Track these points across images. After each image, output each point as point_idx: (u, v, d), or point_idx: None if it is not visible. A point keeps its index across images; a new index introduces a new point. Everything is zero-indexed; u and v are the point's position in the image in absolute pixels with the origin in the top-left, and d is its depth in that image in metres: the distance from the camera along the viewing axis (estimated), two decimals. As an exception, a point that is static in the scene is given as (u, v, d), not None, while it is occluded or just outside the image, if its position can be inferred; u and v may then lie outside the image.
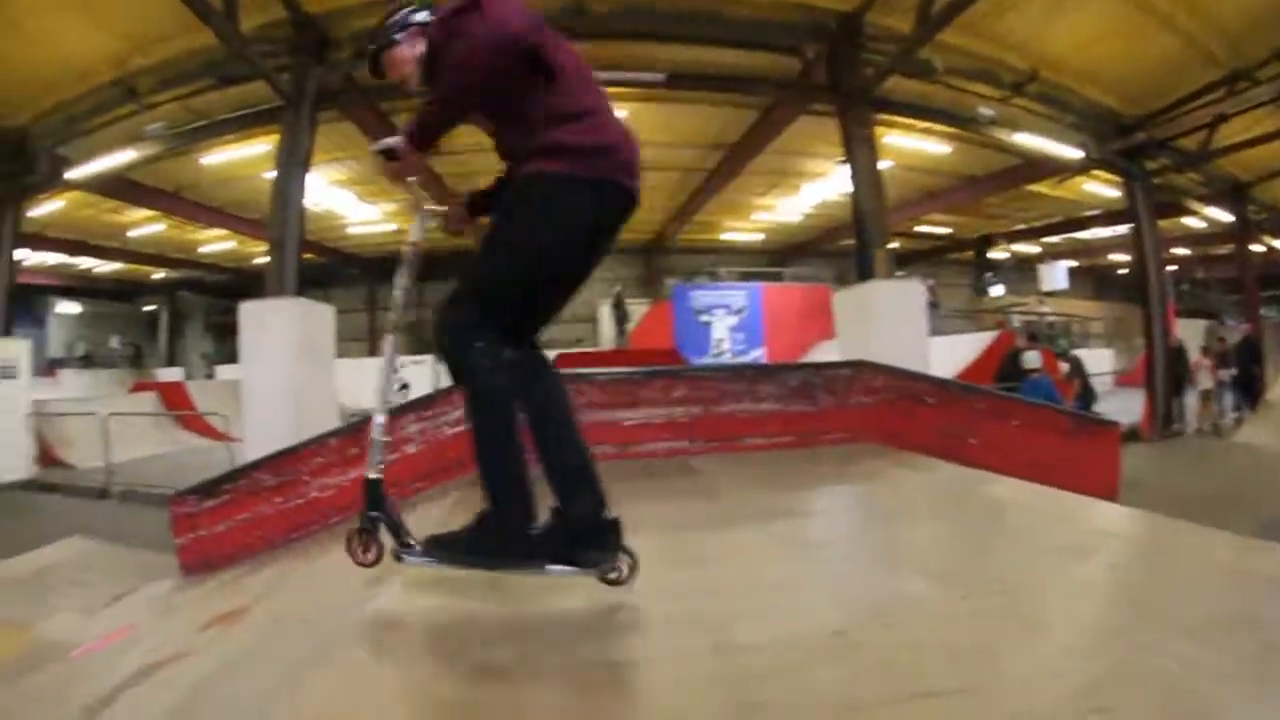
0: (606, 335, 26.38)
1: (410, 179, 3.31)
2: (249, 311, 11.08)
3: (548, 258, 2.92)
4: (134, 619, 6.29)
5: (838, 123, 12.95)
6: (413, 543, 3.15)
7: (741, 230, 26.22)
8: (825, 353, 16.58)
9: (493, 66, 2.67)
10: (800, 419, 6.41)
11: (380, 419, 3.32)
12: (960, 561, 3.57)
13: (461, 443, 6.10)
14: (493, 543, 2.97)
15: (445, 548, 3.07)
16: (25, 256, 21.64)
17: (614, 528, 2.99)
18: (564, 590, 3.08)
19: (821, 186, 21.01)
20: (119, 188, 18.49)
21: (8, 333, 16.56)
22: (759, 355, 22.91)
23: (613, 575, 3.00)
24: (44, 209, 20.25)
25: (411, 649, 3.15)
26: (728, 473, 5.56)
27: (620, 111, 3.48)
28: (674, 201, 21.83)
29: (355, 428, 6.52)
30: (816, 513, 4.84)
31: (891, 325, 11.36)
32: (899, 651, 2.47)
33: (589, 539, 2.94)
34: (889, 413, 6.46)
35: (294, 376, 10.42)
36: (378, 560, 3.30)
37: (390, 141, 3.02)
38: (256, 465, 6.94)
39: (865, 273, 12.42)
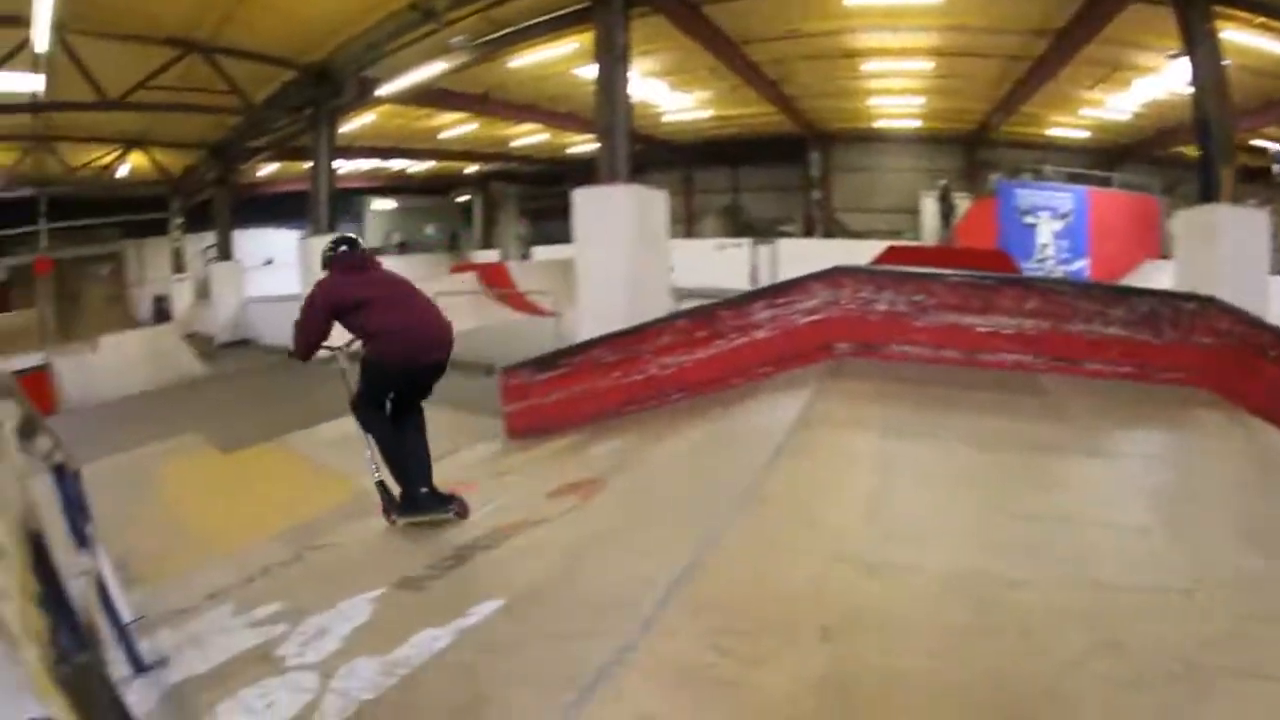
0: (928, 227, 25.21)
1: (313, 357, 5.62)
2: (583, 198, 11.28)
3: (380, 387, 5.26)
4: (464, 477, 6.74)
5: (1173, 12, 11.28)
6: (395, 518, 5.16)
7: (1067, 126, 23.81)
8: (1154, 274, 15.20)
9: (314, 314, 5.27)
10: (1142, 350, 5.81)
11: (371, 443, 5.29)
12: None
13: (812, 331, 6.13)
14: (411, 504, 5.00)
15: (402, 512, 5.05)
16: (341, 165, 23.40)
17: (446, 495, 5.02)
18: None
19: (1153, 83, 18.64)
20: (427, 97, 19.34)
21: (333, 228, 18.15)
22: (1083, 267, 20.55)
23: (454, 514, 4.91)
24: (355, 124, 21.94)
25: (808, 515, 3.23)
26: (1074, 396, 5.23)
27: None
28: (997, 91, 20.14)
29: (705, 311, 6.55)
30: (1159, 458, 4.42)
31: (1234, 259, 10.12)
32: (1247, 624, 2.32)
33: (439, 499, 4.98)
34: (1229, 361, 5.70)
35: (630, 259, 10.59)
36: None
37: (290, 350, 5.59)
38: (597, 342, 7.23)
39: (1208, 193, 10.89)
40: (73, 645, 2.00)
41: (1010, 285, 5.91)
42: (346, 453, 8.69)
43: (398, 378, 5.27)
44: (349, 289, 5.31)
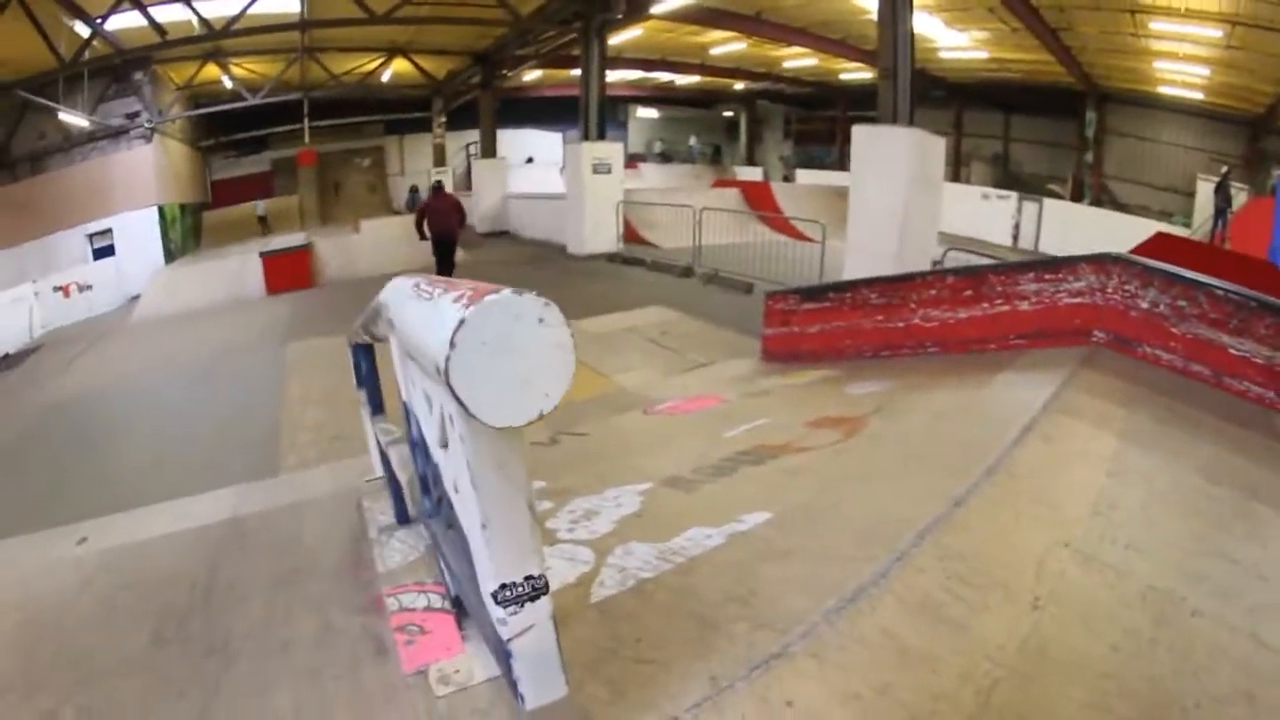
0: (1200, 215, 22.91)
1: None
2: (862, 135, 11.29)
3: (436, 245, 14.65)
4: (720, 392, 7.18)
5: None
6: None
7: None
8: None
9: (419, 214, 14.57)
10: None
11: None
12: None
13: (1073, 314, 6.08)
14: None
15: None
16: (608, 74, 23.84)
17: None
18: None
19: None
20: (699, 14, 19.65)
21: (602, 136, 19.07)
22: None
23: None
24: (623, 36, 22.58)
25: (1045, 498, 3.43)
26: None
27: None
28: None
29: (975, 272, 6.61)
30: None
31: None
32: None
33: None
34: None
35: (905, 203, 10.52)
36: None
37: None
38: (866, 283, 7.35)
39: None
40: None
41: (1271, 311, 5.42)
42: (603, 349, 9.36)
43: (437, 243, 14.25)
44: (429, 206, 14.40)
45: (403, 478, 2.96)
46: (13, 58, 16.14)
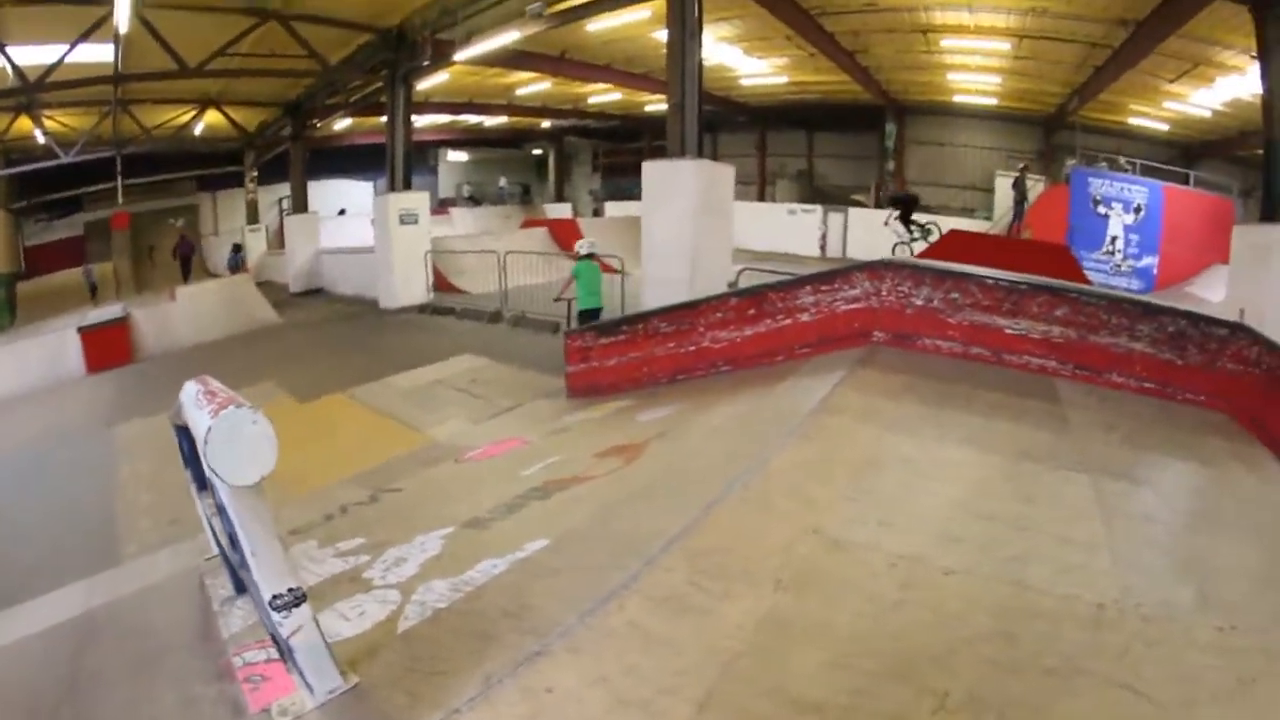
0: (1001, 207, 24.70)
1: None
2: (651, 170, 11.64)
3: None
4: (525, 433, 7.45)
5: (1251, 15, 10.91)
6: None
7: (1148, 116, 23.23)
8: (1219, 281, 15.08)
9: None
10: (1166, 369, 5.86)
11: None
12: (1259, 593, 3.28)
13: (852, 319, 6.55)
14: None
15: None
16: (415, 119, 23.77)
17: None
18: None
19: (1237, 82, 18.40)
20: (504, 57, 19.60)
21: (408, 186, 19.11)
22: (1150, 264, 20.31)
23: None
24: (430, 81, 22.51)
25: (799, 492, 3.79)
26: (1085, 408, 5.41)
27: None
28: (1075, 76, 19.81)
29: (756, 291, 7.07)
30: (1144, 480, 4.41)
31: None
32: (1136, 643, 2.71)
33: None
34: (1253, 389, 5.71)
35: (694, 231, 10.91)
36: None
37: None
38: (656, 313, 7.78)
39: (1270, 211, 10.66)
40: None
41: (1041, 291, 6.10)
42: (415, 404, 9.45)
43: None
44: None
45: (224, 540, 3.34)
46: None
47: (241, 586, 3.90)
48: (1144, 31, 15.59)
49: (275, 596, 2.28)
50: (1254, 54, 11.92)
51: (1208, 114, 21.43)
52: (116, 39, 14.33)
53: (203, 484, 4.14)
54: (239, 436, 2.09)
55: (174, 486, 7.33)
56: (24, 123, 21.64)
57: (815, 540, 3.35)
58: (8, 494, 8.99)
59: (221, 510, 2.71)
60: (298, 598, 2.33)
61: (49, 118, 21.78)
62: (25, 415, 13.27)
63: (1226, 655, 2.67)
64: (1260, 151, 11.55)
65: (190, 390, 2.68)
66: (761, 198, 31.47)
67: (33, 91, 16.24)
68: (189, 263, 30.16)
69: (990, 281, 6.15)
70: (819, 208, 26.79)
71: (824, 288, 6.65)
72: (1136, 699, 2.38)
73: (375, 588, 3.60)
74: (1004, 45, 18.79)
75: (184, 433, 4.15)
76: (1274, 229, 10.49)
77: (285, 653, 2.36)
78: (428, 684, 2.62)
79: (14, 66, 14.78)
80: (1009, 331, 6.08)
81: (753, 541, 3.35)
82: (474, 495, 5.29)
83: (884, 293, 6.45)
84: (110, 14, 12.65)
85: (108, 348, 16.63)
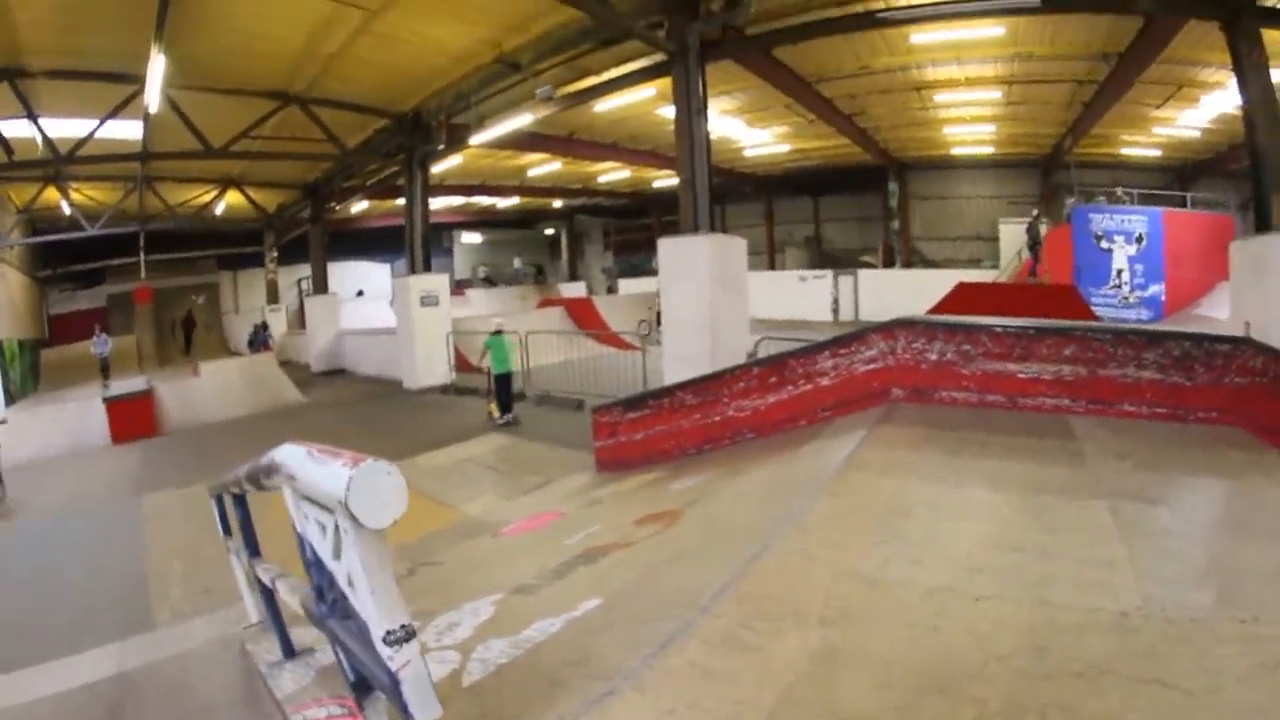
0: (1007, 254, 25.15)
1: None
2: (666, 247, 11.99)
3: None
4: (558, 507, 7.72)
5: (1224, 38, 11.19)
6: None
7: (1140, 145, 23.42)
8: (1226, 297, 15.20)
9: None
10: (1175, 392, 5.92)
11: None
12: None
13: (871, 379, 6.74)
14: None
15: None
16: (431, 201, 24.40)
17: None
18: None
19: (1221, 98, 18.44)
20: (516, 140, 20.20)
21: (428, 268, 19.64)
22: (1157, 292, 20.78)
23: None
24: (444, 165, 23.22)
25: (834, 542, 4.00)
26: (1098, 439, 5.52)
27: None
28: (1066, 114, 20.22)
29: (777, 360, 7.29)
30: (1162, 501, 4.49)
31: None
32: (1161, 644, 2.88)
33: None
34: (1263, 399, 5.73)
35: (711, 304, 11.20)
36: None
37: None
38: (681, 386, 8.01)
39: (1263, 222, 10.81)
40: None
41: (1049, 334, 6.24)
42: (445, 482, 9.68)
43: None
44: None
45: (294, 599, 3.44)
46: None
47: (292, 651, 4.12)
48: (1126, 62, 15.92)
49: (389, 632, 2.45)
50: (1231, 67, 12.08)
51: (1197, 134, 21.90)
52: (146, 117, 14.82)
53: (255, 550, 4.39)
54: (378, 484, 2.27)
55: (206, 557, 7.69)
56: (51, 193, 22.31)
57: (853, 581, 3.56)
58: (40, 556, 9.22)
59: (315, 564, 2.94)
60: (409, 633, 2.49)
61: (76, 190, 22.57)
62: (53, 481, 13.54)
63: (1250, 644, 2.83)
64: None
65: (296, 451, 2.82)
66: (772, 266, 32.01)
67: (62, 163, 16.77)
68: (190, 336, 32.41)
69: (999, 330, 6.34)
70: (829, 272, 27.25)
71: (842, 351, 6.88)
72: (1166, 691, 2.56)
73: (432, 650, 3.70)
74: (995, 94, 19.41)
75: (239, 501, 4.39)
76: (1269, 239, 10.64)
77: (389, 688, 2.51)
78: (501, 729, 2.77)
79: (45, 138, 15.26)
80: (1021, 376, 6.22)
81: (796, 586, 3.55)
82: (516, 565, 5.51)
83: (899, 351, 6.65)
84: (140, 92, 13.18)
85: (132, 419, 17.07)
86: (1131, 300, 20.85)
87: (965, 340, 6.43)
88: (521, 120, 16.43)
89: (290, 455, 2.85)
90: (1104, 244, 21.09)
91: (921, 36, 15.51)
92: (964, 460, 5.14)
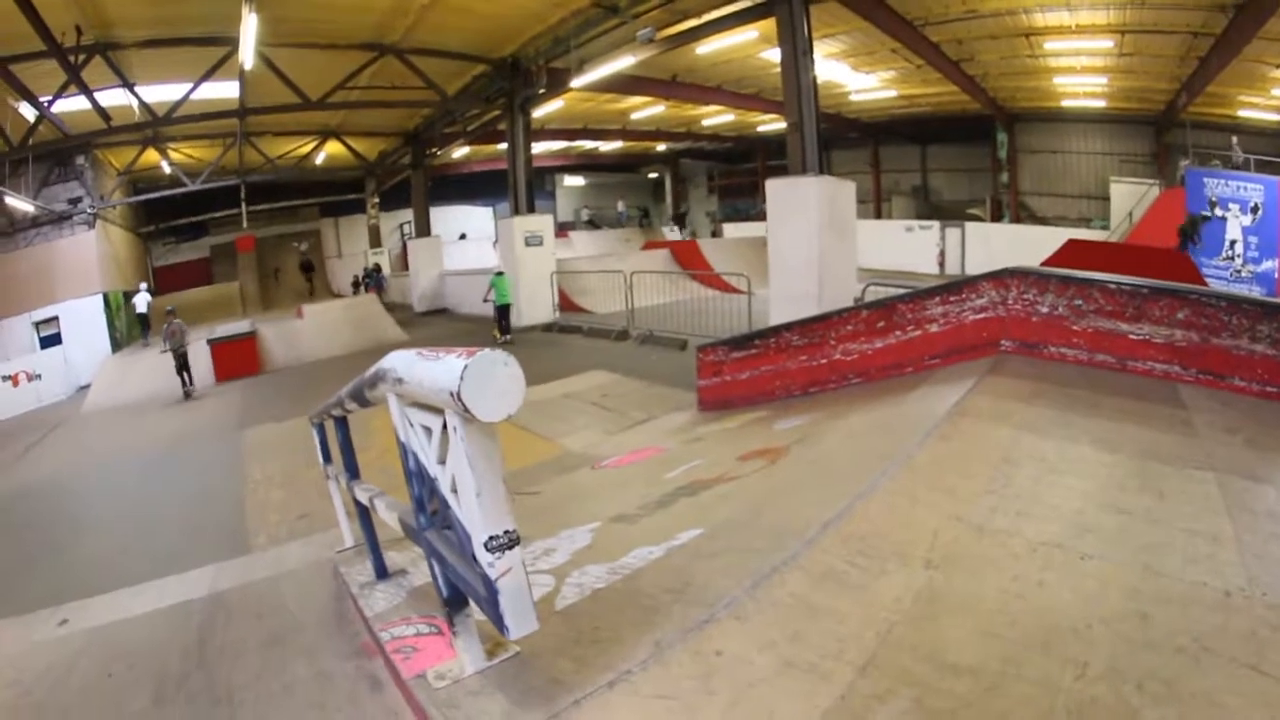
0: (1118, 217, 24.05)
1: None
2: (775, 188, 11.87)
3: None
4: (660, 443, 7.71)
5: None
6: None
7: (1257, 108, 21.63)
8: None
9: None
10: None
11: None
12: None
13: (980, 328, 6.58)
14: None
15: None
16: (533, 145, 24.53)
17: None
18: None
19: None
20: (617, 83, 20.10)
21: (531, 209, 19.80)
22: (1271, 269, 19.19)
23: None
24: (545, 109, 23.34)
25: (941, 485, 3.93)
26: (1209, 411, 5.21)
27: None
28: (1182, 69, 18.80)
29: (886, 304, 7.14)
30: (1270, 482, 4.14)
31: None
32: (1264, 628, 2.72)
33: None
34: None
35: (820, 247, 11.13)
36: None
37: None
38: (788, 327, 7.91)
39: None
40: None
41: (1163, 294, 5.95)
42: (547, 415, 9.75)
43: None
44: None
45: (391, 517, 3.47)
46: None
47: (385, 571, 4.23)
48: (1246, 13, 14.90)
49: (492, 538, 2.40)
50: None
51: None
52: (241, 75, 15.23)
53: (354, 472, 4.49)
54: (493, 375, 2.18)
55: (303, 484, 8.06)
56: (151, 155, 23.19)
57: (960, 526, 3.49)
58: (147, 485, 9.72)
59: (417, 474, 2.91)
60: (513, 540, 2.45)
61: (174, 149, 23.36)
62: (161, 417, 14.34)
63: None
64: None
65: (405, 354, 2.77)
66: (878, 215, 31.34)
67: (160, 125, 17.33)
68: (311, 279, 33.77)
69: (1113, 286, 6.07)
70: (935, 224, 26.51)
71: (952, 298, 6.70)
72: (1262, 678, 2.45)
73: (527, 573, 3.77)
74: (1107, 43, 18.43)
75: (340, 424, 4.50)
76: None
77: (486, 600, 2.48)
78: (594, 650, 2.78)
79: (141, 103, 15.81)
80: (1132, 337, 5.97)
81: (901, 527, 3.49)
82: (617, 496, 5.54)
83: (1010, 301, 6.46)
84: (233, 52, 13.57)
85: (236, 359, 18.05)
86: (1244, 274, 19.59)
87: (1078, 294, 6.19)
88: (622, 63, 16.23)
89: (399, 358, 2.84)
90: (1218, 211, 19.78)
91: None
92: (1073, 417, 4.98)
